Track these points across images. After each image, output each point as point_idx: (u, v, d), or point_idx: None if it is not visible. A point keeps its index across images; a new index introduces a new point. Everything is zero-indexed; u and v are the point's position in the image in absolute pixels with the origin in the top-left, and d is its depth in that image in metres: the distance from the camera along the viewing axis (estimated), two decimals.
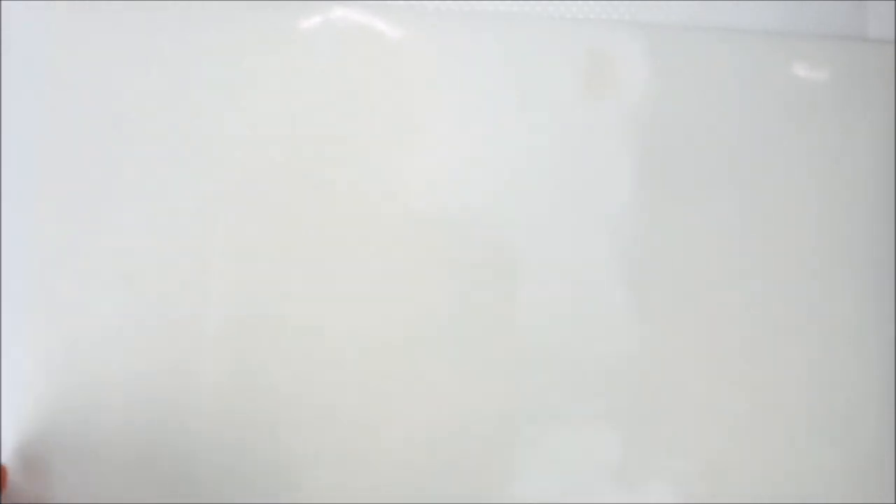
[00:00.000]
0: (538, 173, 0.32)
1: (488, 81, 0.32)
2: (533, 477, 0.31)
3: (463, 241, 0.31)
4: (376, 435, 0.31)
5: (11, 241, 0.31)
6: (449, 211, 0.31)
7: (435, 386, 0.31)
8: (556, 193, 0.32)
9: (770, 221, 0.33)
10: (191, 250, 0.31)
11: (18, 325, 0.30)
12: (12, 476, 0.30)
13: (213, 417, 0.30)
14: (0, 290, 0.30)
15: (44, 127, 0.31)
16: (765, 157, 0.33)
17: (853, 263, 0.33)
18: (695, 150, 0.33)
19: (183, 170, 0.31)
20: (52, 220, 0.31)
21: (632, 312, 0.32)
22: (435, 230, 0.31)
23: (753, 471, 0.32)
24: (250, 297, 0.31)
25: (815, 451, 0.32)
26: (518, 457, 0.31)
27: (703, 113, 0.33)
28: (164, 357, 0.30)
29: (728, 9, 0.33)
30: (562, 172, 0.32)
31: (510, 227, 0.32)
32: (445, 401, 0.31)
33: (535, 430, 0.31)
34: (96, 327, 0.30)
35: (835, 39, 0.33)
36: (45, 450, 0.30)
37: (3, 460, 0.30)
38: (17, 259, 0.31)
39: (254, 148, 0.31)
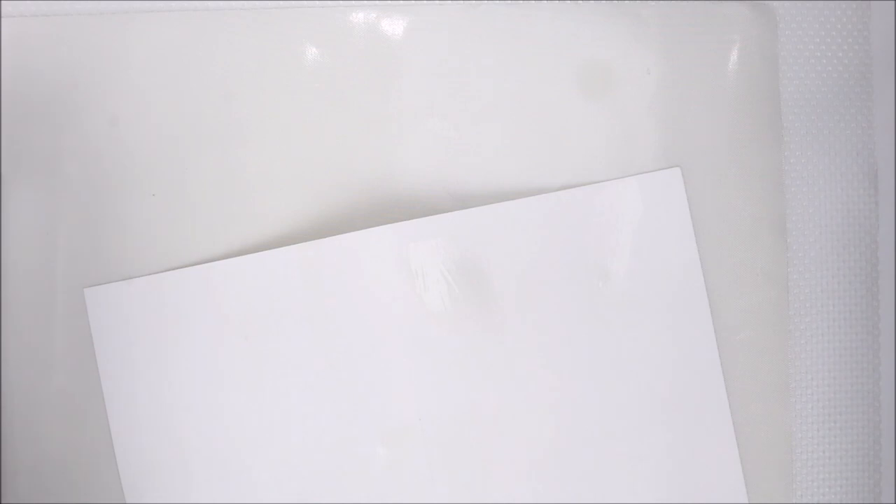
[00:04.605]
0: (535, 169, 0.32)
1: (486, 77, 0.32)
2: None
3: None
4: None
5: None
6: (439, 208, 0.31)
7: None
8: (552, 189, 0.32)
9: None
10: (191, 239, 0.31)
11: None
12: None
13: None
14: (1, 289, 0.30)
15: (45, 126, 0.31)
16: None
17: None
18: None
19: (181, 161, 0.31)
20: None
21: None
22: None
23: None
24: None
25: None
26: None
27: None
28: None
29: None
30: (559, 171, 0.32)
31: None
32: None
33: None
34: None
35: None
36: None
37: None
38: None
39: (251, 142, 0.31)
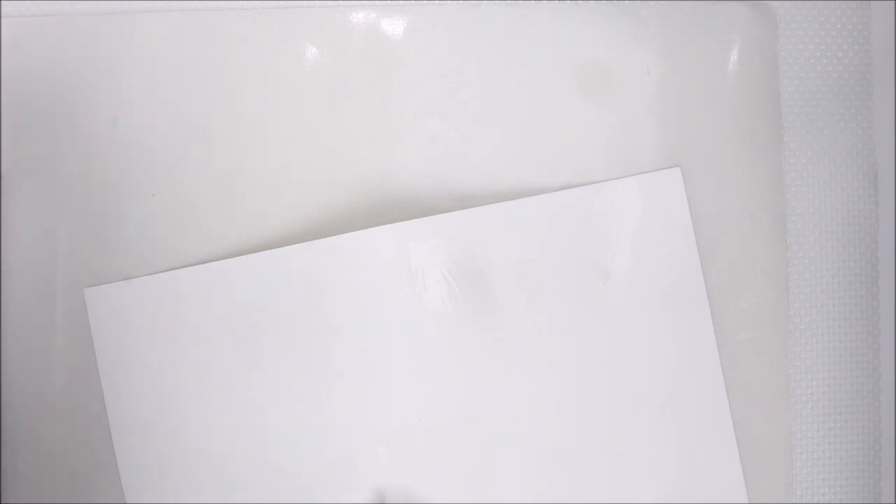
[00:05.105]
0: (533, 168, 0.32)
1: (486, 77, 0.32)
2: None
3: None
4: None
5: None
6: (439, 208, 0.31)
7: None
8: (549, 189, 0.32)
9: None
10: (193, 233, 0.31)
11: None
12: None
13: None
14: (1, 290, 0.30)
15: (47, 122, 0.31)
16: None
17: None
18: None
19: (181, 161, 0.31)
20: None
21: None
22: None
23: None
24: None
25: None
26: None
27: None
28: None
29: None
30: (559, 171, 0.32)
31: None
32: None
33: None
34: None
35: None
36: None
37: None
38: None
39: (251, 142, 0.31)
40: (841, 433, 0.33)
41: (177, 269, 0.31)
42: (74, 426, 0.30)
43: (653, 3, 0.32)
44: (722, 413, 0.32)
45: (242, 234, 0.31)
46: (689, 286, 0.32)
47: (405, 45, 0.32)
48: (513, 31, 0.32)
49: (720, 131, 0.32)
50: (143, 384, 0.30)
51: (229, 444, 0.30)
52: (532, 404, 0.31)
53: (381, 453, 0.31)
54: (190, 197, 0.31)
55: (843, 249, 0.33)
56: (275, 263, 0.31)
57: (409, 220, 0.31)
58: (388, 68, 0.32)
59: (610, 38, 0.32)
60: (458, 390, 0.31)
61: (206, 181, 0.31)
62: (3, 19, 0.30)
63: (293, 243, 0.31)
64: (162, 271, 0.31)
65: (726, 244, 0.32)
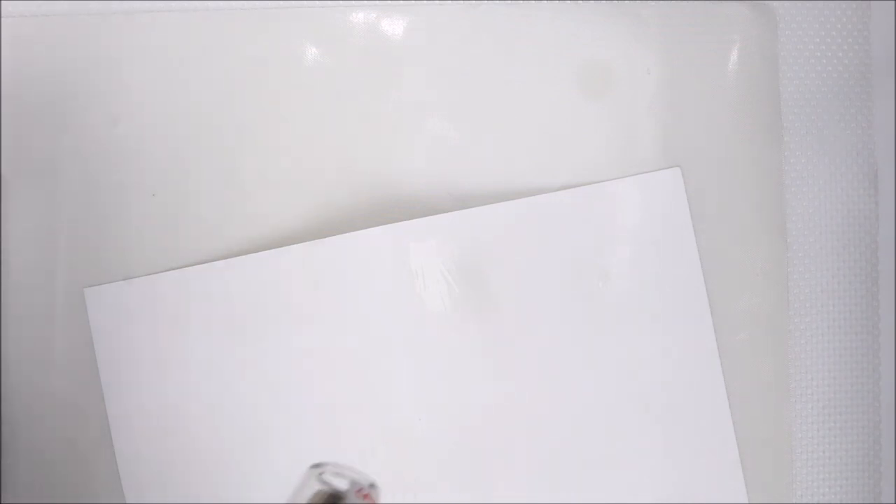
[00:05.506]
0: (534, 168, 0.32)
1: (486, 77, 0.32)
2: None
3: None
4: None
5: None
6: (439, 208, 0.31)
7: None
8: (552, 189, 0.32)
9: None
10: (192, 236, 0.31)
11: None
12: None
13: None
14: (1, 290, 0.30)
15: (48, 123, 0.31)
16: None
17: None
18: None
19: (181, 161, 0.31)
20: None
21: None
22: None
23: None
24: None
25: None
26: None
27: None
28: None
29: None
30: (559, 171, 0.32)
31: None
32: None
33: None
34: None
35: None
36: None
37: None
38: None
39: (251, 142, 0.31)
40: (841, 433, 0.33)
41: (177, 269, 0.31)
42: (74, 426, 0.31)
43: (653, 3, 0.32)
44: (722, 413, 0.32)
45: (242, 234, 0.31)
46: (689, 286, 0.32)
47: (405, 45, 0.32)
48: (513, 31, 0.32)
49: (720, 131, 0.32)
50: (143, 384, 0.30)
51: (229, 444, 0.30)
52: (532, 404, 0.31)
53: (381, 453, 0.31)
54: (190, 197, 0.31)
55: (843, 249, 0.33)
56: (275, 263, 0.31)
57: (409, 220, 0.31)
58: (388, 68, 0.32)
59: (610, 38, 0.32)
60: (458, 390, 0.31)
61: (206, 181, 0.31)
62: (3, 19, 0.31)
63: (293, 243, 0.31)
64: (162, 271, 0.31)
65: (726, 244, 0.32)
